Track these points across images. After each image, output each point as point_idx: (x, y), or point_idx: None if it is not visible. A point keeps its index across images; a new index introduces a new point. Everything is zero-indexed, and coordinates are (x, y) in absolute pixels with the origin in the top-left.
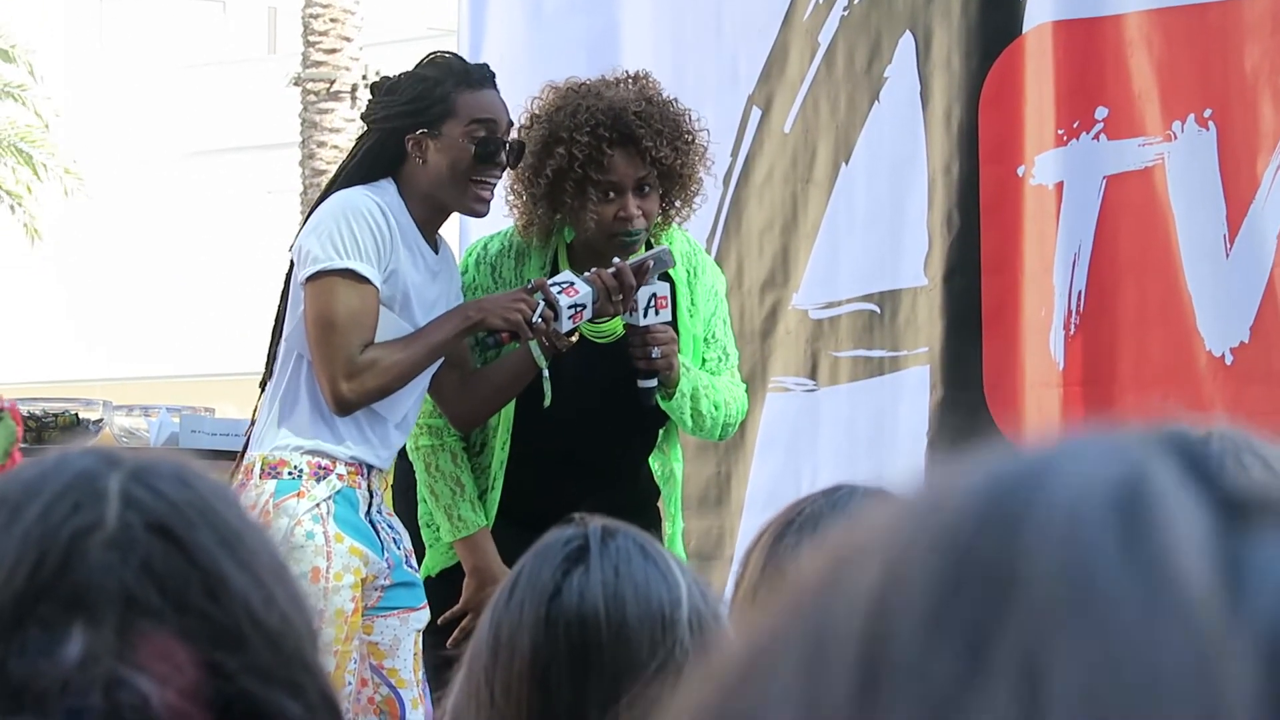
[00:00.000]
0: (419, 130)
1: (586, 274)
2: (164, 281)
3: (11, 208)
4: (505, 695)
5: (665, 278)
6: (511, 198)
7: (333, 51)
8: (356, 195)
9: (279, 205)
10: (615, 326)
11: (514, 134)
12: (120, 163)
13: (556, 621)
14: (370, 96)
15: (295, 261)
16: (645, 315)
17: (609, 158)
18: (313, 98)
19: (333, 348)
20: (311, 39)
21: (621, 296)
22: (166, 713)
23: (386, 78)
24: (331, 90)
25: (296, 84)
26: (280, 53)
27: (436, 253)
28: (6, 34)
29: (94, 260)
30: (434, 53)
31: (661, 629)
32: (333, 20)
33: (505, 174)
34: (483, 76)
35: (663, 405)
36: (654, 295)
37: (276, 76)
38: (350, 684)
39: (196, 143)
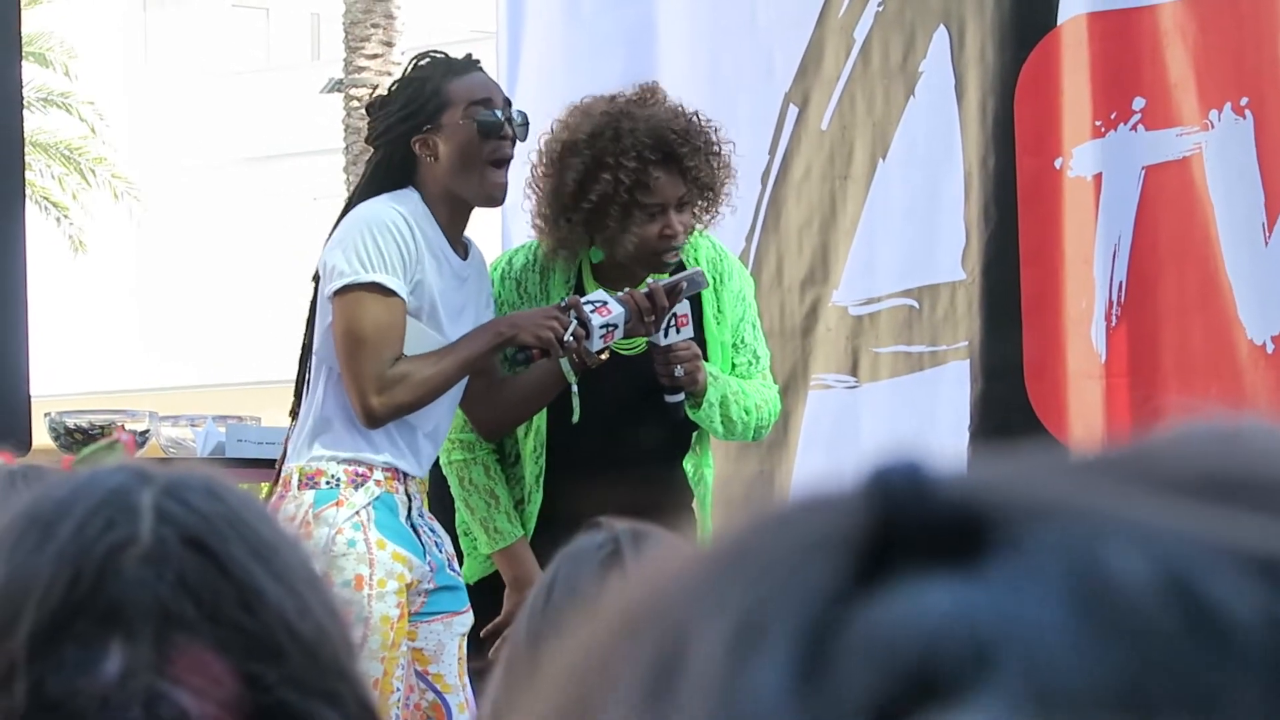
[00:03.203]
0: (423, 129)
1: (619, 294)
2: (210, 289)
3: (57, 219)
4: None
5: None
6: (540, 221)
7: (375, 57)
8: (380, 207)
9: (324, 211)
10: (642, 341)
11: (515, 111)
12: (165, 171)
13: None
14: (368, 117)
15: (321, 276)
16: (666, 335)
17: (655, 180)
18: (356, 103)
19: (362, 362)
20: (354, 44)
21: (654, 317)
22: None
23: (380, 95)
24: (374, 95)
25: (336, 89)
26: (324, 59)
27: (465, 257)
28: (45, 35)
29: (139, 269)
30: (416, 57)
31: None
32: (374, 25)
33: (532, 198)
34: (468, 63)
35: (692, 416)
36: (674, 315)
37: (320, 82)
38: (399, 690)
39: (241, 150)
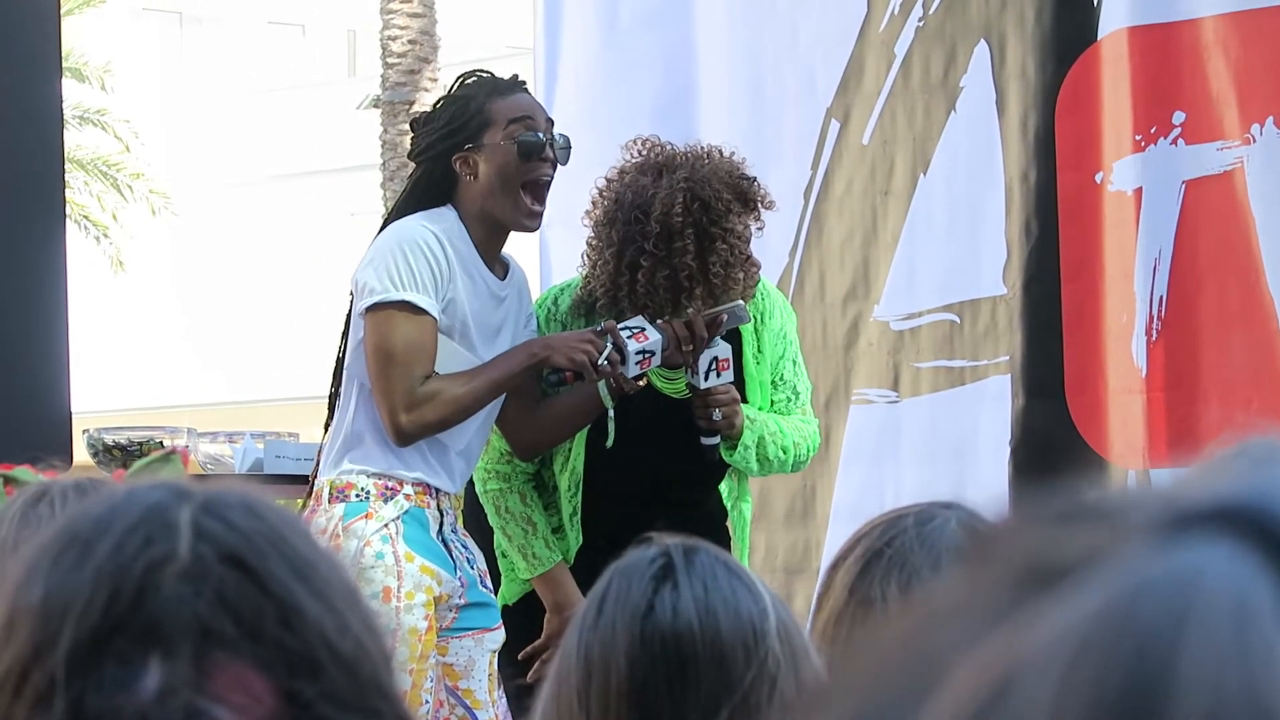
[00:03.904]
0: (464, 147)
1: (659, 321)
2: (247, 306)
3: (97, 238)
4: (603, 715)
5: (732, 333)
6: (612, 289)
7: (412, 73)
8: (412, 225)
9: (362, 227)
10: (683, 384)
11: (557, 133)
12: (202, 187)
13: (652, 639)
14: (411, 133)
15: (354, 294)
16: (706, 379)
17: (749, 225)
18: (393, 119)
19: (392, 379)
20: (390, 60)
21: (691, 346)
22: None
23: (423, 112)
24: (412, 111)
25: (373, 105)
26: (360, 75)
27: (504, 277)
28: (80, 52)
29: (177, 285)
30: (463, 75)
31: (753, 640)
32: (411, 42)
33: (607, 274)
34: (513, 83)
35: (726, 458)
36: (715, 359)
37: (357, 99)
38: (427, 703)
39: (278, 166)
